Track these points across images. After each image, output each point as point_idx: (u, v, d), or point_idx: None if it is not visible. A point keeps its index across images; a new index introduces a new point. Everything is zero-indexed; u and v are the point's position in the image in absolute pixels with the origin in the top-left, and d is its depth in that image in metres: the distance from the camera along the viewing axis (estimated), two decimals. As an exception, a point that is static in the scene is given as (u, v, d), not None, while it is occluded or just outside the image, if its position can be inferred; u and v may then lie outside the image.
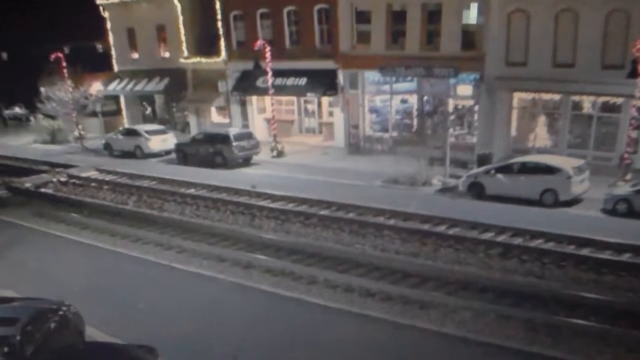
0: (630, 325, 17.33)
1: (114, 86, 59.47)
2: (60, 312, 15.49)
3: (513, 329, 17.63)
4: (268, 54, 43.73)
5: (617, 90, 33.99)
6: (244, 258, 24.49)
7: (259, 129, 50.77)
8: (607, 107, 35.96)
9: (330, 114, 49.18)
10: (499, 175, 31.38)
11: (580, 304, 18.89)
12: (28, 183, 38.85)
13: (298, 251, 24.96)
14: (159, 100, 60.84)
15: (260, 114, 52.34)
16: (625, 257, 22.72)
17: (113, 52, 60.65)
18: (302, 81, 46.72)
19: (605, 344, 16.51)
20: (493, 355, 16.00)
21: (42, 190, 37.91)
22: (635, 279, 20.92)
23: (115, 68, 60.80)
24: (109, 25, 59.99)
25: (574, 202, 30.11)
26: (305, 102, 51.18)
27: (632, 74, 30.71)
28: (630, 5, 33.43)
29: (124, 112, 62.26)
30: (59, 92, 56.02)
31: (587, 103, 36.75)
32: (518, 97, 38.90)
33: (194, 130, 53.56)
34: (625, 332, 17.02)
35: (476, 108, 40.40)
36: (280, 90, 46.52)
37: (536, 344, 16.54)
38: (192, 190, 35.68)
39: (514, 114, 39.33)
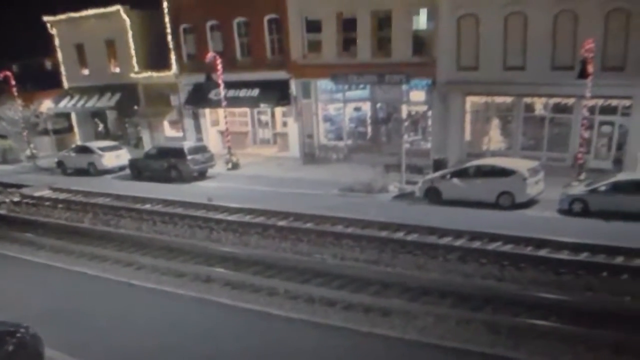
0: (590, 324, 17.39)
1: (65, 103, 58.80)
2: (18, 335, 15.13)
3: (474, 332, 17.59)
4: (219, 66, 43.60)
5: (567, 91, 34.49)
6: (203, 272, 24.16)
7: (213, 141, 50.62)
8: (558, 108, 36.48)
9: (284, 124, 49.13)
10: (455, 180, 31.51)
11: (540, 305, 18.94)
12: (-21, 205, 38.09)
13: (257, 263, 24.73)
14: (111, 116, 60.33)
15: (214, 126, 52.09)
16: (583, 256, 22.93)
17: (62, 68, 60.10)
18: (255, 92, 46.61)
19: (566, 344, 16.51)
20: (455, 359, 15.95)
21: (-6, 211, 37.27)
22: (593, 277, 21.07)
23: (66, 85, 60.17)
24: (57, 41, 59.40)
25: (530, 203, 30.37)
26: (259, 113, 51.12)
27: (582, 75, 31.10)
28: (577, 5, 33.97)
29: (76, 130, 61.76)
30: (9, 111, 55.48)
31: (539, 105, 37.26)
32: (471, 101, 39.30)
33: (147, 145, 53.13)
34: (586, 331, 17.05)
35: (429, 113, 40.77)
36: (233, 102, 46.39)
37: (498, 346, 16.49)
38: (148, 206, 35.34)
39: (467, 118, 39.69)
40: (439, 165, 35.67)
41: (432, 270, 22.78)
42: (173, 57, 51.31)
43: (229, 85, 44.94)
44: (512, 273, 21.99)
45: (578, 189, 29.64)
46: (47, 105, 59.80)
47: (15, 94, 54.62)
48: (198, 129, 52.94)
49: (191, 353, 16.85)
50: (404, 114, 40.51)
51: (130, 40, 53.20)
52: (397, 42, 40.30)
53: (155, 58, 52.72)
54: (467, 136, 39.86)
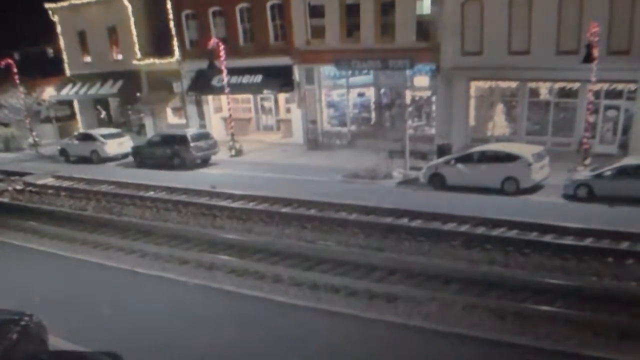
0: (595, 310, 17.35)
1: (67, 91, 58.79)
2: (22, 323, 15.07)
3: (480, 318, 17.52)
4: (222, 53, 43.41)
5: (573, 76, 34.30)
6: (207, 259, 24.11)
7: (216, 128, 50.53)
8: (563, 93, 36.25)
9: (288, 110, 49.02)
10: (459, 165, 31.34)
11: (545, 290, 18.87)
12: (-18, 193, 38.04)
13: (261, 250, 24.66)
14: (113, 103, 60.39)
15: (217, 113, 52.07)
16: (588, 241, 22.84)
17: (64, 56, 60.04)
18: (258, 78, 46.46)
19: (571, 329, 16.48)
20: (461, 345, 15.86)
21: (-2, 199, 37.23)
22: (598, 263, 20.98)
23: (68, 72, 60.14)
24: (59, 29, 59.39)
25: (535, 189, 30.23)
26: (262, 99, 51.02)
27: (587, 59, 30.96)
28: (582, -11, 33.69)
29: (78, 117, 61.66)
30: (11, 99, 55.20)
31: (544, 89, 37.00)
32: (475, 86, 39.01)
33: (150, 133, 52.99)
34: (591, 316, 17.01)
35: (434, 99, 40.50)
36: (236, 88, 46.21)
37: (504, 332, 16.43)
38: (151, 193, 35.27)
39: (472, 103, 39.43)
40: (443, 150, 35.49)
41: (437, 256, 22.69)
42: (175, 43, 51.11)
43: (232, 71, 44.79)
44: (517, 259, 21.91)
45: (583, 174, 29.53)
46: (49, 92, 59.72)
47: (18, 81, 54.40)
48: (201, 115, 52.86)
49: (195, 340, 16.79)
50: (408, 100, 40.25)
51: (132, 26, 53.00)
52: (401, 27, 40.02)
53: (158, 45, 52.53)
54: (472, 121, 39.63)
